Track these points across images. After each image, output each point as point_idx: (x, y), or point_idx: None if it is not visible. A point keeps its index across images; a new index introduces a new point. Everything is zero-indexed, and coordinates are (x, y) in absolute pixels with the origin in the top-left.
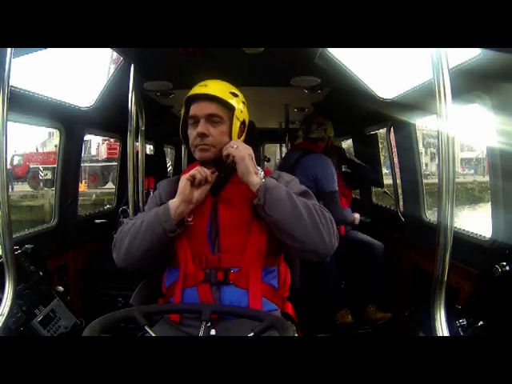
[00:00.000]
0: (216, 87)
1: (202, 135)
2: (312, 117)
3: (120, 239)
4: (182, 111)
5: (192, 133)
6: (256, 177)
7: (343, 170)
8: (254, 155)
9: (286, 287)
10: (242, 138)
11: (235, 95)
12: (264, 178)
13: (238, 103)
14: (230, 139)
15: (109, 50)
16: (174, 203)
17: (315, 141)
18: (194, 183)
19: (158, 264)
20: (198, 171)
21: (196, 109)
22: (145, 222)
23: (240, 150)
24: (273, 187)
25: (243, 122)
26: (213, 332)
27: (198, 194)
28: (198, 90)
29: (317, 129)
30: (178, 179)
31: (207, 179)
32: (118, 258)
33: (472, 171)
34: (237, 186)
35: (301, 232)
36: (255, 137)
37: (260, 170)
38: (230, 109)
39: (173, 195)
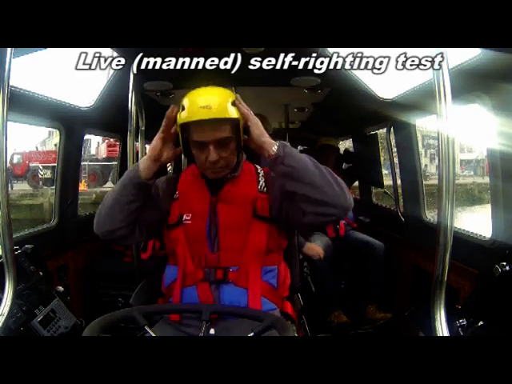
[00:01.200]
0: (220, 105)
1: (216, 162)
2: None
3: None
4: (178, 129)
5: (200, 156)
6: (268, 136)
7: (343, 168)
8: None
9: (286, 287)
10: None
11: (234, 103)
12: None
13: (238, 111)
14: (240, 150)
15: (109, 49)
16: (142, 160)
17: None
18: (166, 140)
19: (133, 237)
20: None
21: (203, 135)
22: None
23: (254, 117)
24: (284, 145)
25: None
26: (212, 331)
27: (167, 152)
28: (202, 113)
29: None
30: (177, 177)
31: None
32: (95, 225)
33: (472, 172)
34: (236, 186)
35: (322, 181)
36: None
37: (259, 168)
38: (236, 122)
39: (169, 193)
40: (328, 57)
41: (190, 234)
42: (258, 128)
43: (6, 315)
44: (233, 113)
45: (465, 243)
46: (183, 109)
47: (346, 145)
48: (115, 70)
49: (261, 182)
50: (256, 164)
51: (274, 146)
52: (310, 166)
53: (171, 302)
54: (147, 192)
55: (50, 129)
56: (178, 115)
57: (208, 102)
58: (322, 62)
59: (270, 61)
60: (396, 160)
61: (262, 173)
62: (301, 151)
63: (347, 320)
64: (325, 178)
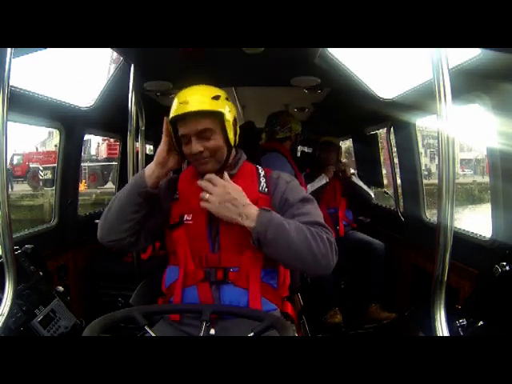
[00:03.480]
0: (197, 100)
1: (199, 153)
2: (274, 116)
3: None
4: (170, 128)
5: (187, 150)
6: (243, 219)
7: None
8: (231, 192)
9: (286, 287)
10: (234, 135)
11: (217, 98)
12: (257, 215)
13: (223, 105)
14: (229, 145)
15: (109, 49)
16: (149, 167)
17: (281, 141)
18: (170, 147)
19: (139, 244)
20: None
21: (185, 128)
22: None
23: (211, 200)
24: (265, 229)
25: (234, 119)
26: (212, 332)
27: (172, 158)
28: (180, 109)
29: (281, 130)
30: (177, 178)
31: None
32: (99, 235)
33: (471, 172)
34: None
35: (297, 263)
36: (255, 137)
37: (260, 168)
38: (219, 116)
39: (170, 193)
40: (328, 57)
41: (191, 234)
42: (221, 216)
43: (6, 315)
44: (212, 105)
45: (465, 243)
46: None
47: (346, 145)
48: (115, 69)
49: (262, 183)
50: (257, 165)
51: (252, 230)
52: (286, 253)
53: (171, 301)
54: (152, 200)
55: (50, 129)
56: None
57: (185, 98)
58: (322, 62)
59: (269, 61)
60: (396, 160)
61: (263, 173)
62: (301, 153)
63: (340, 321)
64: (302, 260)
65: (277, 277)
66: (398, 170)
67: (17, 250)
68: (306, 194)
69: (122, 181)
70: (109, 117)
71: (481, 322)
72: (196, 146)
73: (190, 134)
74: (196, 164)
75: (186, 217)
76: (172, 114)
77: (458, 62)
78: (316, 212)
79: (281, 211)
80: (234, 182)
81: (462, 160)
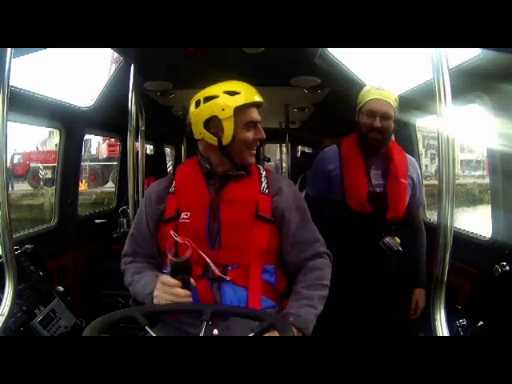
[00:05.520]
0: (257, 93)
1: (257, 141)
2: None
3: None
4: (232, 113)
5: (249, 136)
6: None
7: None
8: None
9: (284, 284)
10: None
11: None
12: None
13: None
14: None
15: (109, 49)
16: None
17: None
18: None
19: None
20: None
21: (256, 115)
22: (137, 288)
23: None
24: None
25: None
26: (215, 332)
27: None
28: (259, 97)
29: None
30: (170, 178)
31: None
32: None
33: (472, 173)
34: (238, 185)
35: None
36: None
37: (261, 168)
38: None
39: (162, 195)
40: (328, 57)
41: (189, 232)
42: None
43: (6, 315)
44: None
45: (465, 243)
46: (232, 94)
47: None
48: (115, 69)
49: (263, 184)
50: (257, 164)
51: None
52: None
53: None
54: None
55: (50, 129)
56: (226, 100)
57: (251, 89)
58: (322, 62)
59: (269, 61)
60: None
61: (264, 173)
62: (301, 153)
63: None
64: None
65: (275, 274)
66: None
67: (17, 249)
68: (303, 203)
69: (122, 181)
70: (109, 117)
71: (481, 322)
72: (260, 134)
73: (258, 120)
74: (249, 155)
75: (182, 215)
76: (253, 98)
77: (458, 62)
78: (312, 226)
79: (284, 217)
80: (238, 182)
81: (462, 161)
